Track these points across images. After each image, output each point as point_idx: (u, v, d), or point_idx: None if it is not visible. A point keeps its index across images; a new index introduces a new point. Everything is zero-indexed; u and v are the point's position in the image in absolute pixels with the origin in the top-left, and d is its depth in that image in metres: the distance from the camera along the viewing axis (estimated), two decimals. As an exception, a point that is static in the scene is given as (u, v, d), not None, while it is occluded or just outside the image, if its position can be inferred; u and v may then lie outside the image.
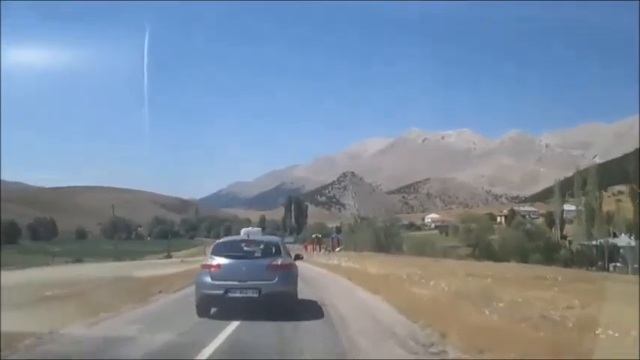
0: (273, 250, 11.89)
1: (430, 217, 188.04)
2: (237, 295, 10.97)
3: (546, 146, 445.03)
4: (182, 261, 47.22)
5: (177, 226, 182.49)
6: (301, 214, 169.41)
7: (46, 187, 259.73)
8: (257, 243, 12.22)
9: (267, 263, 11.42)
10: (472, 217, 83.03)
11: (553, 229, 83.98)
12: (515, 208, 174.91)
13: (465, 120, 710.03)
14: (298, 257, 14.87)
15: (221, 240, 13.55)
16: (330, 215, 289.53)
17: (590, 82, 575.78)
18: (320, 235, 72.10)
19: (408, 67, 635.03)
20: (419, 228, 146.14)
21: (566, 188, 74.72)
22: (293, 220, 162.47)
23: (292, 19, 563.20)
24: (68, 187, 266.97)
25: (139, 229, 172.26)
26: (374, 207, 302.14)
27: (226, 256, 11.54)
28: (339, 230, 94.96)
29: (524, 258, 57.18)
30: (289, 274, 11.70)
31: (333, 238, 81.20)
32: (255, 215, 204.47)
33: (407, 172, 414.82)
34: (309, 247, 79.14)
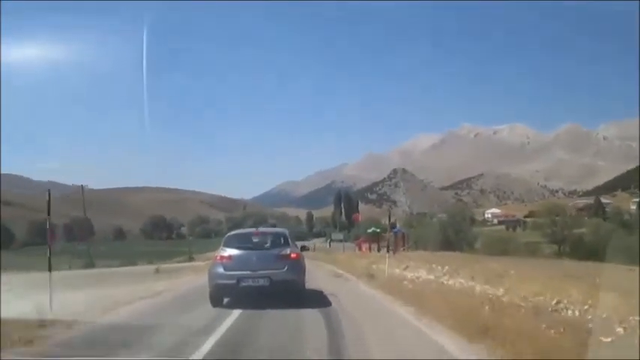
0: (282, 241, 12.13)
1: (490, 212, 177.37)
2: (250, 284, 11.21)
3: (604, 139, 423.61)
4: (157, 270, 30.96)
5: (222, 225, 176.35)
6: (352, 209, 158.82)
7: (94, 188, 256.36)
8: (266, 234, 12.70)
9: (277, 253, 11.69)
10: (555, 207, 71.14)
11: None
12: (579, 201, 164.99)
13: (517, 114, 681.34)
14: (304, 248, 14.99)
15: (232, 232, 13.50)
16: (381, 212, 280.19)
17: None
18: (378, 230, 54.93)
19: (457, 61, 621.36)
20: (481, 223, 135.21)
21: (630, 181, 65.13)
22: (343, 216, 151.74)
23: (335, 13, 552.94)
24: (115, 188, 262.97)
25: (182, 228, 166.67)
26: (426, 203, 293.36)
27: (237, 248, 11.77)
28: (394, 225, 77.91)
29: (633, 258, 45.70)
30: (298, 263, 11.86)
31: (396, 234, 55.63)
32: (304, 214, 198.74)
33: (459, 168, 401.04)
34: (364, 246, 59.86)
